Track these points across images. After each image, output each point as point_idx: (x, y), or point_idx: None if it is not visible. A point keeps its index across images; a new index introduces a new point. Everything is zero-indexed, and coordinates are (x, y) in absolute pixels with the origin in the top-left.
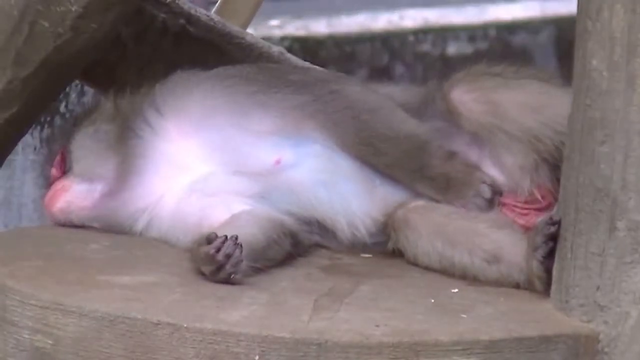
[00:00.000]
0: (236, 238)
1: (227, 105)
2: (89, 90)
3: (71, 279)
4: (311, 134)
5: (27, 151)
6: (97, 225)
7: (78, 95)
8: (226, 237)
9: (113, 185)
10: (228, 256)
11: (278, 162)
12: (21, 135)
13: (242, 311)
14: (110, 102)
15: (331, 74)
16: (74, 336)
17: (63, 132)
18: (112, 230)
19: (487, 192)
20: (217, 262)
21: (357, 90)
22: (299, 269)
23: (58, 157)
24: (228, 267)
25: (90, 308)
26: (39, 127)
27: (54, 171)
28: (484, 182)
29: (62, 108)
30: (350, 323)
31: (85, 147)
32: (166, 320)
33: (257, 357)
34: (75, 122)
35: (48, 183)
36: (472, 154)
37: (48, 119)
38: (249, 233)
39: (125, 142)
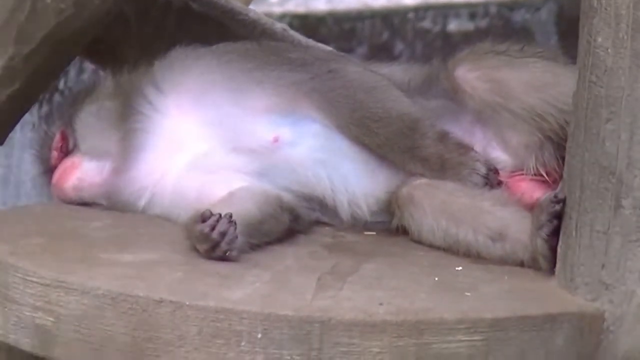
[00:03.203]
0: (230, 216)
1: (224, 82)
2: (88, 68)
3: (73, 256)
4: (308, 112)
5: (25, 129)
6: (105, 203)
7: (77, 72)
8: (220, 215)
9: (119, 163)
10: (222, 234)
11: (276, 139)
12: (23, 112)
13: (245, 289)
14: (111, 79)
15: (332, 53)
16: (76, 314)
17: (59, 113)
18: (117, 208)
19: (481, 168)
20: (212, 240)
21: (355, 70)
22: (303, 247)
23: (58, 137)
24: (223, 245)
25: (92, 286)
26: (37, 105)
27: (54, 153)
28: (477, 160)
29: (61, 85)
30: (354, 301)
31: (90, 125)
32: (168, 298)
33: (259, 335)
34: (75, 101)
35: (49, 167)
36: (477, 133)
37: (47, 96)
38: (244, 208)
39: (128, 119)
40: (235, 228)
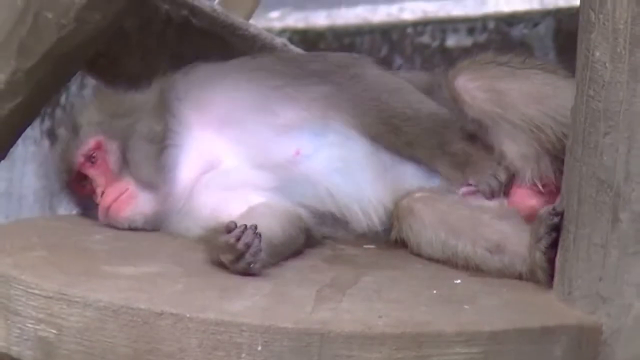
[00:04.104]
0: (255, 227)
1: (252, 100)
2: (90, 82)
3: (75, 269)
4: (330, 122)
5: (27, 143)
6: (148, 228)
7: (78, 87)
8: (246, 226)
9: (165, 189)
10: (248, 245)
11: (297, 152)
12: (25, 126)
13: (245, 301)
14: (152, 96)
15: (349, 57)
16: (78, 326)
17: (94, 119)
18: (158, 229)
19: (502, 175)
20: (237, 251)
21: (376, 72)
22: (302, 260)
23: (91, 145)
24: (247, 257)
25: (94, 298)
26: (39, 119)
27: (82, 158)
28: (502, 167)
29: (62, 100)
30: (353, 314)
31: (144, 151)
32: (169, 311)
33: (260, 347)
34: (111, 114)
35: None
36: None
37: (49, 110)
38: (267, 226)
39: (166, 139)
40: (260, 240)
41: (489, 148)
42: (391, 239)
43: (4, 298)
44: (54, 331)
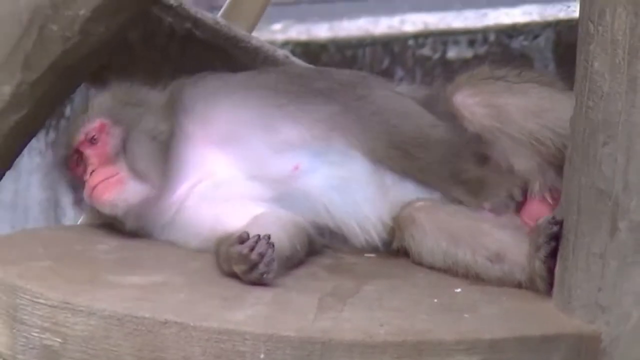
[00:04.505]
0: (269, 237)
1: (256, 118)
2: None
3: (80, 278)
4: (335, 143)
5: (32, 154)
6: (131, 223)
7: (83, 99)
8: (259, 236)
9: (155, 188)
10: (261, 255)
11: (296, 168)
12: (30, 137)
13: (248, 310)
14: (162, 96)
15: (356, 76)
16: (83, 335)
17: (104, 101)
18: (139, 230)
19: (518, 194)
20: (251, 261)
21: (382, 94)
22: (303, 269)
23: (95, 126)
24: (261, 267)
25: (98, 307)
26: (44, 131)
27: (82, 136)
28: (516, 186)
29: (67, 112)
30: (355, 322)
31: (144, 144)
32: (173, 320)
33: (262, 356)
34: (122, 102)
35: (63, 142)
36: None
37: (53, 122)
38: (277, 236)
39: (168, 144)
40: (274, 250)
41: (500, 165)
42: (393, 248)
43: (10, 307)
44: (59, 340)
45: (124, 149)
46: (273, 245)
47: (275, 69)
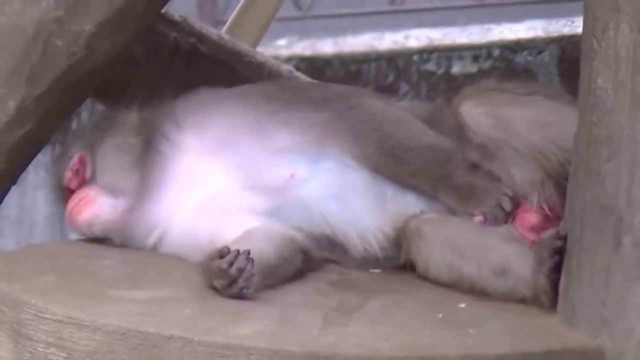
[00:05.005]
0: (248, 253)
1: (248, 124)
2: (100, 109)
3: (85, 293)
4: (327, 149)
5: (38, 169)
6: (115, 238)
7: (89, 114)
8: (238, 251)
9: (134, 201)
10: (240, 270)
11: (292, 176)
12: (35, 152)
13: (253, 325)
14: (135, 114)
15: (349, 89)
16: (88, 350)
17: (81, 134)
18: (128, 245)
19: (507, 203)
20: (230, 276)
21: (375, 103)
22: (309, 284)
23: (75, 160)
24: (240, 282)
25: (103, 322)
26: (50, 146)
27: (69, 174)
28: (505, 194)
29: (73, 126)
30: (359, 337)
31: (112, 159)
32: (178, 334)
33: None
34: (97, 130)
35: (60, 186)
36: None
37: (60, 137)
38: (261, 249)
39: (147, 157)
40: (253, 265)
41: (492, 174)
42: (400, 261)
43: (15, 322)
44: (63, 355)
45: (95, 171)
46: (252, 260)
47: (269, 82)
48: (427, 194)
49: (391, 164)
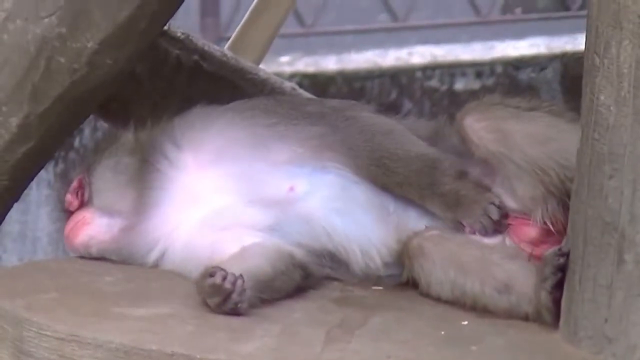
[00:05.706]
0: (240, 275)
1: (245, 138)
2: (102, 126)
3: (86, 310)
4: (326, 162)
5: (41, 186)
6: (115, 258)
7: (92, 130)
8: (225, 271)
9: (131, 220)
10: (233, 284)
11: (292, 189)
12: (38, 169)
13: (255, 342)
14: (131, 134)
15: (346, 103)
16: None
17: (81, 158)
18: (128, 262)
19: (494, 212)
20: (225, 290)
21: (369, 115)
22: (311, 301)
23: (75, 184)
24: (234, 296)
25: (105, 339)
26: (53, 162)
27: (69, 197)
28: (492, 203)
29: (76, 143)
30: (362, 354)
31: (107, 180)
32: (180, 352)
33: None
34: (95, 151)
35: (63, 209)
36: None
37: (62, 154)
38: (256, 265)
39: (144, 176)
40: (244, 281)
41: (482, 184)
42: (403, 279)
43: (17, 339)
44: None
45: (91, 192)
46: (242, 277)
47: (267, 97)
48: (418, 205)
49: (380, 174)
